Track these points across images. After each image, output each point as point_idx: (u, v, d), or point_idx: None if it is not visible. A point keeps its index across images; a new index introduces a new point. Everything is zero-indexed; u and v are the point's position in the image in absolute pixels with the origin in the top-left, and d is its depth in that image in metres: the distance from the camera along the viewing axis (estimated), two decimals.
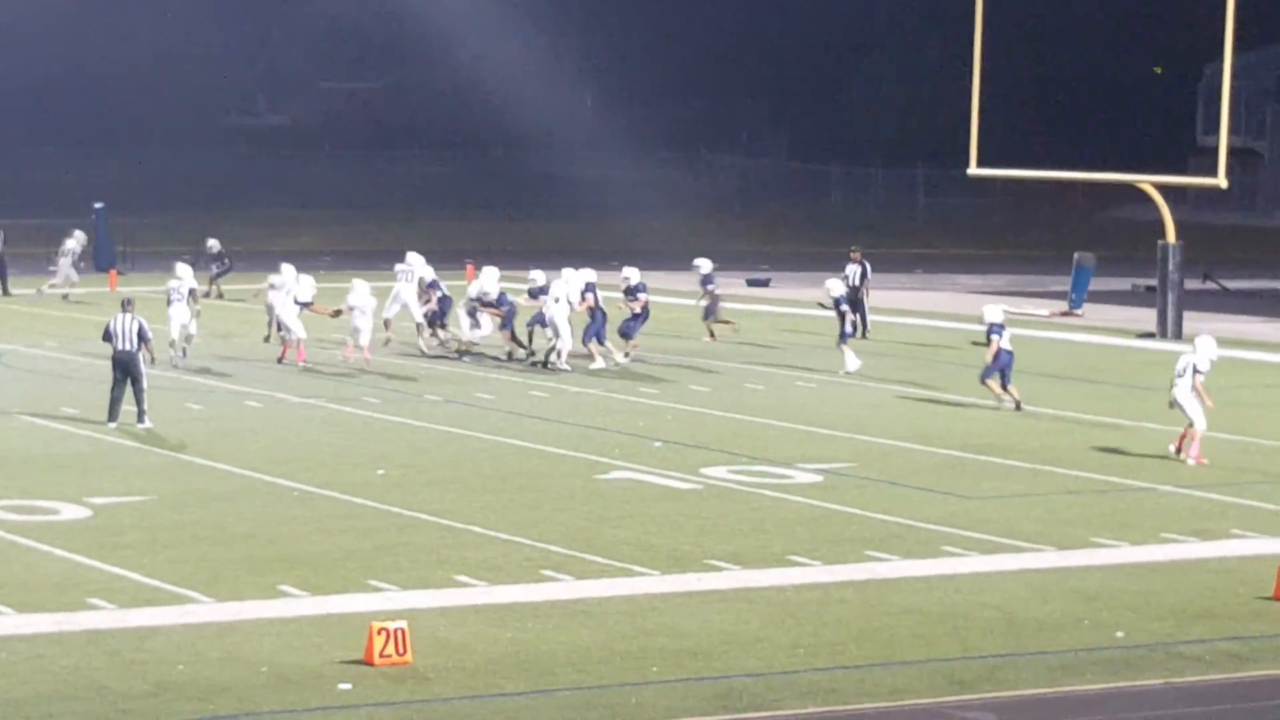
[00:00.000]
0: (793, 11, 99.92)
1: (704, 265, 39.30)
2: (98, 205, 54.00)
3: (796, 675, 15.66)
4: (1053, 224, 77.20)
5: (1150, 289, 45.13)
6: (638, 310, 35.27)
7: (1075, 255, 47.81)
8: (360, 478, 23.43)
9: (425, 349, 35.80)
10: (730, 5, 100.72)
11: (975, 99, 42.70)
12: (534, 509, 21.79)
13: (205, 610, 17.19)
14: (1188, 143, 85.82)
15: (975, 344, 32.88)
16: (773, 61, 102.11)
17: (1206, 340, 26.16)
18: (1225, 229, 75.26)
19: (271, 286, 35.54)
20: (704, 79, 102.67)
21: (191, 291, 34.20)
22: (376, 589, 17.99)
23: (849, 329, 34.68)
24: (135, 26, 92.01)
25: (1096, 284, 47.94)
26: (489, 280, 35.06)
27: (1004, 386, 30.14)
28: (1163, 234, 41.90)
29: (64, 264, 45.95)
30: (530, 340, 35.17)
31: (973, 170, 44.19)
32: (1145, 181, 44.26)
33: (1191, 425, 25.61)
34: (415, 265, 36.93)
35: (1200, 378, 25.64)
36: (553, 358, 34.08)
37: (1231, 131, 41.16)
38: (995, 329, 29.98)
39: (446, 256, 48.03)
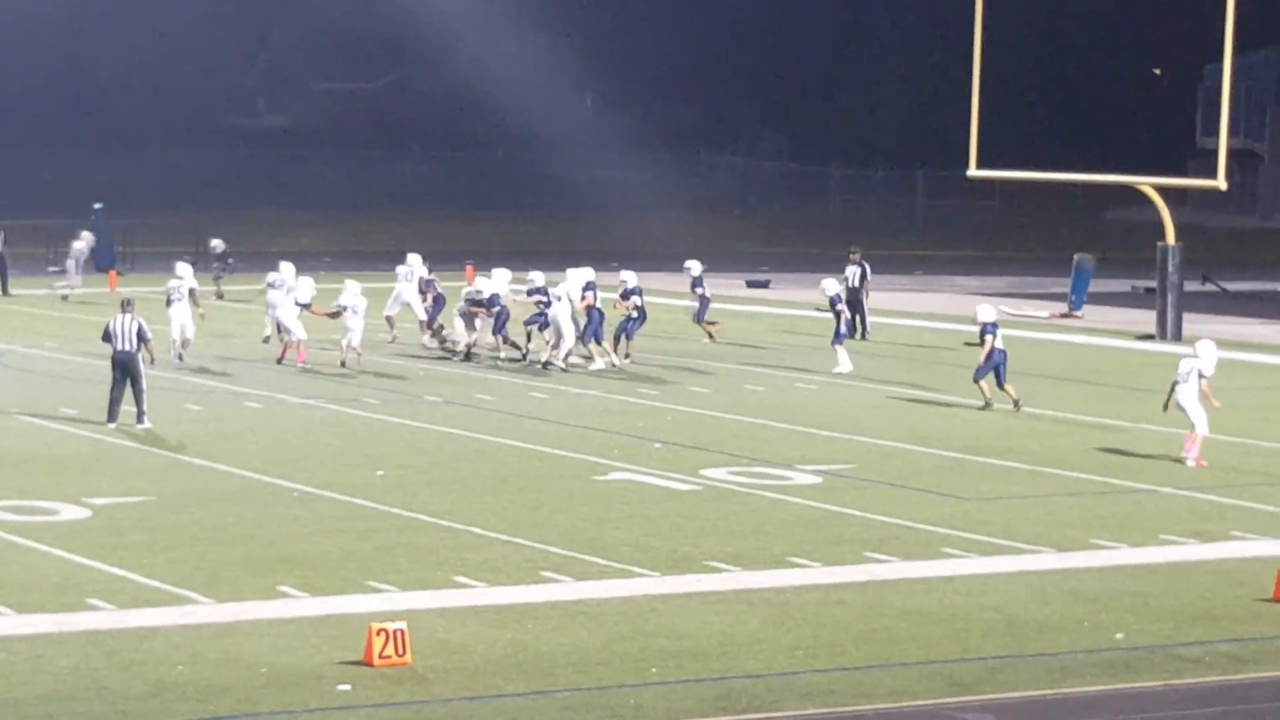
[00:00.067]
0: (792, 13, 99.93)
1: (694, 267, 39.33)
2: (97, 206, 54.01)
3: (795, 676, 15.66)
4: (1052, 226, 77.20)
5: (1150, 291, 45.14)
6: (634, 314, 35.28)
7: (1075, 257, 47.83)
8: (360, 478, 23.43)
9: (426, 346, 35.86)
10: (730, 6, 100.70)
11: (975, 100, 42.71)
12: (533, 510, 21.79)
13: (205, 611, 17.19)
14: (1187, 144, 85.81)
15: (969, 344, 32.84)
16: (772, 63, 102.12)
17: (1208, 344, 26.19)
18: (1225, 231, 75.28)
19: (270, 285, 35.55)
20: (704, 80, 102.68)
21: (191, 291, 34.20)
22: (376, 590, 17.99)
23: (844, 330, 34.62)
24: (134, 27, 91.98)
25: (1096, 286, 47.96)
26: (499, 282, 35.09)
27: (1000, 386, 30.14)
28: (1162, 236, 41.91)
29: (72, 265, 45.96)
30: (529, 339, 35.17)
31: (972, 172, 44.20)
32: (1145, 183, 44.27)
33: (1194, 429, 25.63)
34: (415, 266, 37.07)
35: (1205, 381, 25.68)
36: (550, 355, 34.09)
37: (1231, 133, 41.17)
38: (989, 329, 30.00)
39: (446, 257, 48.06)
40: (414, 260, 37.31)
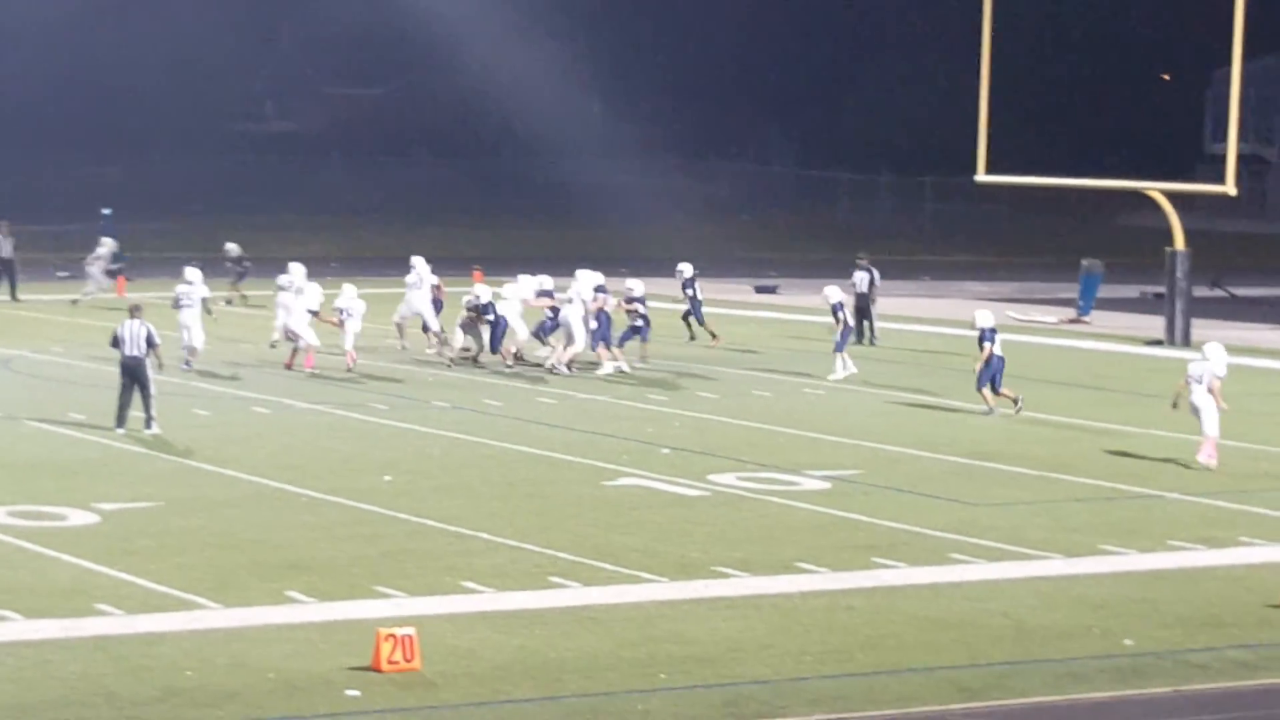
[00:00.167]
0: (800, 19, 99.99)
1: (685, 269, 39.32)
2: (106, 211, 54.07)
3: (804, 683, 15.65)
4: (1060, 231, 77.15)
5: (1158, 296, 45.11)
6: (639, 323, 35.28)
7: (1083, 262, 47.80)
8: (367, 484, 23.43)
9: (430, 351, 35.83)
10: (738, 13, 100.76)
11: (983, 106, 42.70)
12: (542, 515, 21.79)
13: (213, 616, 17.19)
14: (1196, 150, 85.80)
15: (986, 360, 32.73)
16: (781, 69, 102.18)
17: (1217, 347, 26.20)
18: (1233, 236, 75.21)
19: (281, 288, 35.58)
20: (712, 86, 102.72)
21: (204, 301, 34.18)
22: (384, 595, 17.99)
23: (841, 337, 34.44)
24: (143, 33, 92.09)
25: (1105, 291, 47.93)
26: (525, 287, 35.07)
27: (995, 391, 30.16)
28: (1171, 241, 41.88)
29: (96, 271, 45.96)
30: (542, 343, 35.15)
31: (980, 177, 44.18)
32: (1153, 188, 44.22)
33: (1206, 431, 25.68)
34: (424, 273, 36.77)
35: (1218, 383, 25.73)
36: (555, 359, 34.08)
37: (1240, 138, 41.14)
38: (987, 335, 30.01)
39: (454, 263, 48.07)
40: (420, 265, 36.95)
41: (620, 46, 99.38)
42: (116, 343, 27.09)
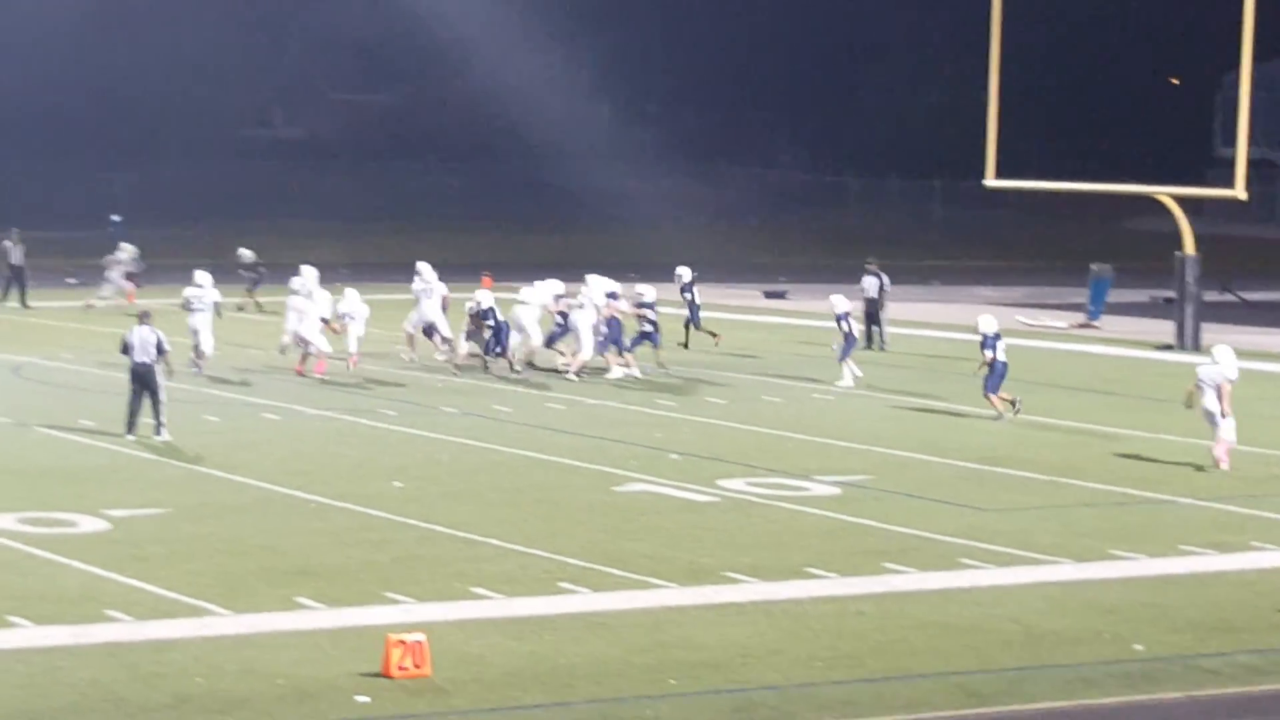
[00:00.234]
0: (809, 23, 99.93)
1: (684, 273, 39.33)
2: (115, 218, 54.16)
3: (814, 688, 15.64)
4: (1070, 236, 77.10)
5: (1168, 301, 45.07)
6: (648, 329, 35.29)
7: (1092, 267, 47.77)
8: (377, 490, 23.44)
9: (439, 358, 35.81)
10: (747, 17, 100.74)
11: (993, 110, 42.68)
12: (551, 521, 21.79)
13: (223, 622, 17.20)
14: (1205, 154, 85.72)
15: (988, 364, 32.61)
16: (789, 73, 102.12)
17: (1227, 350, 26.22)
18: (1243, 240, 75.12)
19: (294, 292, 35.62)
20: (721, 90, 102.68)
21: (215, 304, 34.27)
22: (394, 601, 17.99)
23: (846, 346, 34.36)
24: (152, 41, 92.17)
25: (1114, 296, 47.89)
26: (545, 292, 35.03)
27: (995, 394, 30.22)
28: (1181, 246, 41.85)
29: (116, 275, 46.00)
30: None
31: (990, 181, 44.15)
32: (1163, 193, 44.18)
33: (1219, 434, 25.73)
34: (431, 280, 36.51)
35: (1229, 386, 25.77)
36: (561, 364, 34.12)
37: (1250, 142, 41.09)
38: (989, 341, 30.00)
39: (463, 269, 48.09)
40: (428, 272, 36.71)
41: (628, 51, 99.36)
42: (126, 349, 27.12)
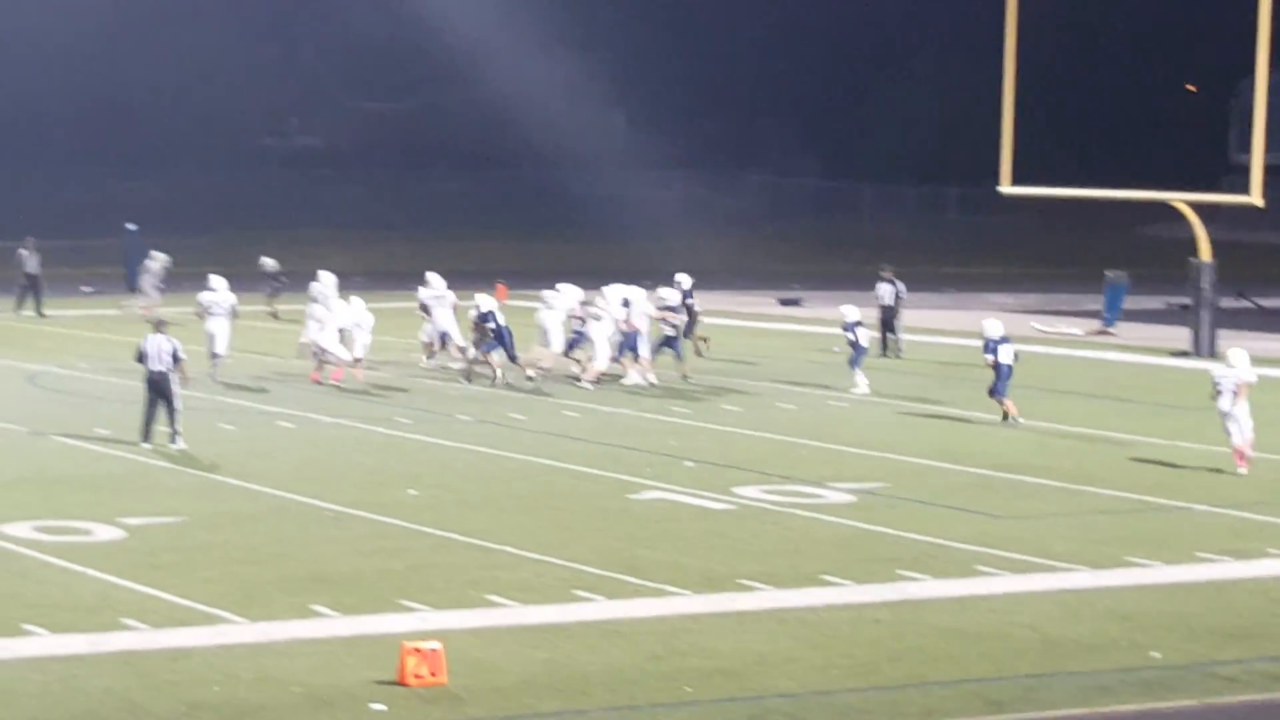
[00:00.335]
0: (823, 29, 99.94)
1: (684, 280, 39.36)
2: (131, 227, 54.19)
3: (829, 696, 15.61)
4: (1085, 242, 77.01)
5: (1184, 307, 44.99)
6: (671, 332, 35.34)
7: (1107, 273, 47.71)
8: (392, 498, 23.44)
9: (454, 366, 35.83)
10: (761, 24, 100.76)
11: (1007, 116, 42.65)
12: (566, 529, 21.78)
13: (238, 630, 17.20)
14: (1221, 160, 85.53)
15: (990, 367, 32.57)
16: (803, 80, 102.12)
17: (1242, 353, 26.25)
18: (1259, 247, 75.01)
19: (313, 299, 35.66)
20: (735, 98, 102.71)
21: (232, 307, 34.41)
22: (409, 609, 17.99)
23: (859, 354, 34.31)
24: (167, 49, 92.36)
25: (1130, 302, 47.84)
26: (570, 297, 35.06)
27: (991, 395, 30.20)
28: (1196, 252, 41.79)
29: (148, 283, 46.05)
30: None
31: (1005, 188, 44.11)
32: (1178, 199, 44.13)
33: (1235, 437, 25.72)
34: (440, 288, 36.50)
35: (1246, 389, 25.79)
36: (575, 371, 34.11)
37: (1265, 149, 41.03)
38: (991, 345, 30.00)
39: (478, 277, 48.09)
40: (436, 281, 36.68)
41: (642, 59, 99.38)
42: (141, 357, 27.15)
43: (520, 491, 24.11)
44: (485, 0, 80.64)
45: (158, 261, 46.49)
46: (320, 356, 34.12)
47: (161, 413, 26.86)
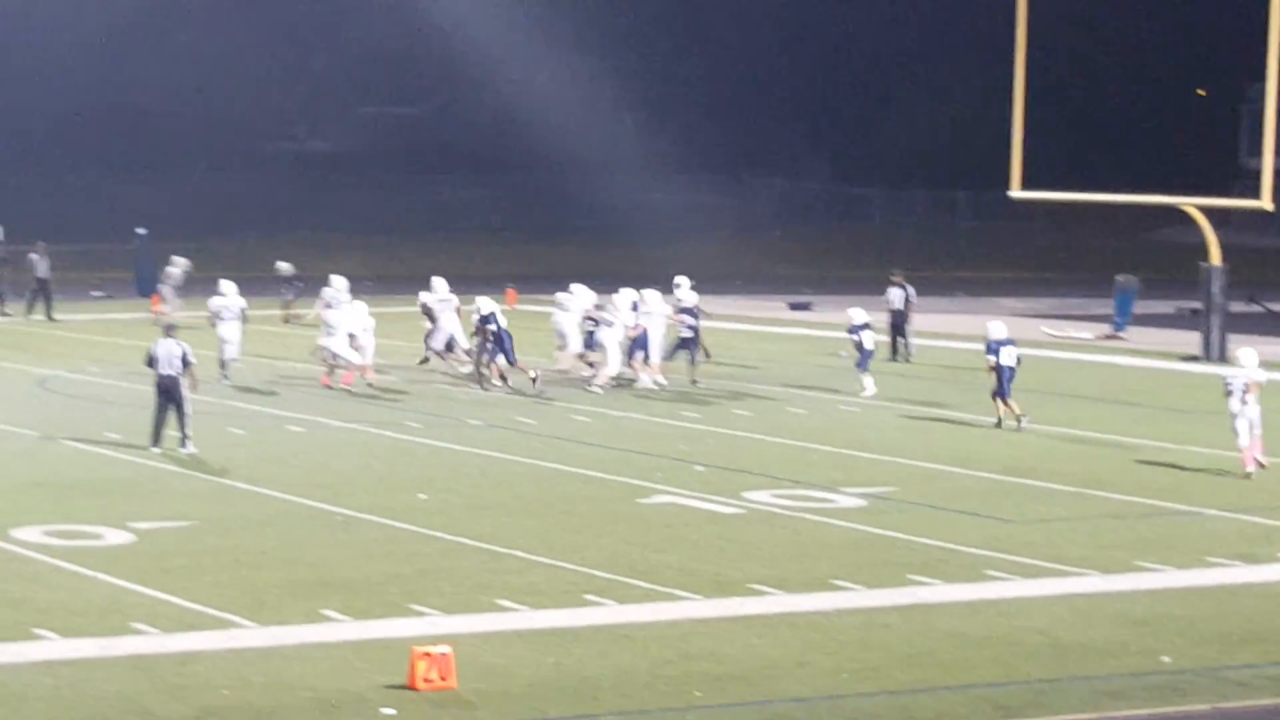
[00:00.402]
0: (834, 34, 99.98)
1: (684, 284, 39.31)
2: (140, 231, 54.23)
3: (839, 700, 15.60)
4: (1095, 246, 76.98)
5: (1194, 312, 44.95)
6: (687, 334, 35.32)
7: (1118, 278, 47.66)
8: (402, 502, 23.45)
9: (464, 370, 35.78)
10: (771, 29, 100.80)
11: (1018, 121, 42.62)
12: (576, 533, 21.78)
13: (248, 635, 17.21)
14: (1231, 165, 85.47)
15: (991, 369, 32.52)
16: (814, 84, 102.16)
17: (1250, 352, 26.26)
18: (1270, 251, 74.94)
19: (327, 305, 35.68)
20: (745, 102, 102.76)
21: (242, 310, 34.47)
22: (419, 613, 17.99)
23: (865, 356, 34.30)
24: (176, 53, 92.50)
25: (1140, 307, 47.78)
26: (585, 298, 35.05)
27: (994, 396, 30.19)
28: (1206, 256, 41.74)
29: (167, 290, 46.08)
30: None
31: (1015, 193, 44.08)
32: (1189, 204, 44.08)
33: (1243, 436, 25.72)
34: (441, 290, 36.50)
35: (1256, 388, 25.79)
36: (585, 373, 34.10)
37: (1275, 153, 40.98)
38: (993, 346, 29.99)
39: (488, 282, 48.10)
40: (442, 286, 36.64)
41: (652, 63, 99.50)
42: (151, 362, 27.17)
43: (530, 496, 24.12)
44: (495, 6, 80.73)
45: (179, 267, 46.47)
46: (331, 361, 34.14)
47: (172, 417, 26.87)
